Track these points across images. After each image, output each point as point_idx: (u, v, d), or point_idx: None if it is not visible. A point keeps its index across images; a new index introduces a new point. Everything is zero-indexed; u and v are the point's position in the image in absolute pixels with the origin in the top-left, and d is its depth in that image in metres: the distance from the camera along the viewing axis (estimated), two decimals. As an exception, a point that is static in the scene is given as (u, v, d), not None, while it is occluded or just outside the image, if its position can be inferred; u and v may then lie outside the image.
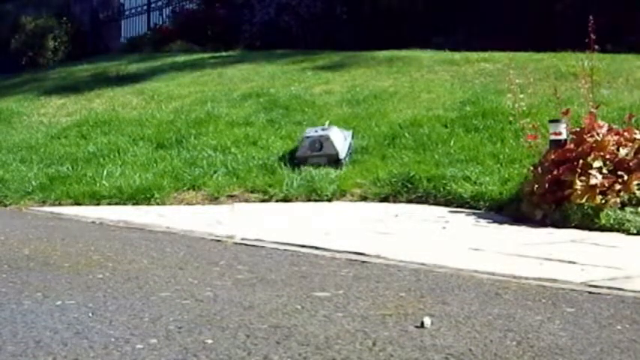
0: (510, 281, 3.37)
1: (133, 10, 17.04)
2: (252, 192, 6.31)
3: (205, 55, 12.58)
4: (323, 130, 6.83)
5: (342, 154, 6.67)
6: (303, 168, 6.53)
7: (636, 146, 5.22)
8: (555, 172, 5.13)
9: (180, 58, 12.51)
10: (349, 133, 7.04)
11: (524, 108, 6.58)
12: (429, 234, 4.80)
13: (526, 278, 3.42)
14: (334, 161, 6.61)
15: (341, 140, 6.78)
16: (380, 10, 12.71)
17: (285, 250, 4.14)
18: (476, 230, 4.95)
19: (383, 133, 7.37)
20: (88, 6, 17.09)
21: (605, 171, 5.05)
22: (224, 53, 12.68)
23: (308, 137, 6.75)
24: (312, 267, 3.65)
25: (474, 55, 9.98)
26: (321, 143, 6.60)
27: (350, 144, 6.89)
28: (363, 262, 3.79)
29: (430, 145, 6.88)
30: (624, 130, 5.36)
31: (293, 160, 6.78)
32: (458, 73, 9.37)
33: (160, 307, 2.76)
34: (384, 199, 6.13)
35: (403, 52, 10.84)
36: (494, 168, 6.17)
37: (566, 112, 5.63)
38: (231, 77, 10.48)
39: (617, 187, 4.99)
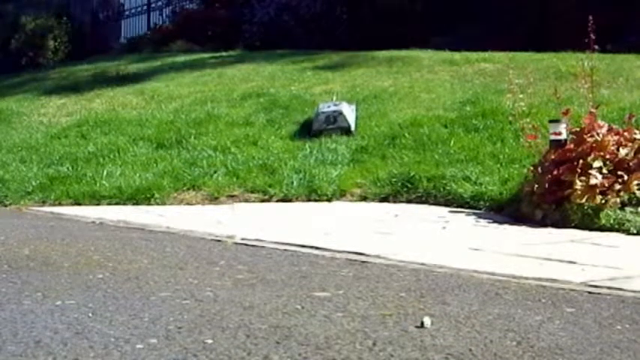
0: (510, 281, 3.37)
1: (133, 10, 17.04)
2: (252, 192, 6.31)
3: (205, 55, 12.58)
4: (335, 105, 7.82)
5: (353, 126, 7.62)
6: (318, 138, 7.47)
7: (636, 146, 5.22)
8: (555, 172, 5.13)
9: (180, 58, 12.51)
10: (354, 106, 8.02)
11: (524, 108, 6.58)
12: (429, 234, 4.79)
13: (526, 278, 3.42)
14: (346, 132, 7.56)
15: (351, 114, 7.76)
16: (380, 10, 12.72)
17: (285, 250, 4.13)
18: (476, 230, 4.95)
19: (383, 133, 7.37)
20: (88, 6, 17.09)
21: (605, 171, 5.05)
22: (224, 53, 12.67)
23: (323, 112, 7.70)
24: (312, 267, 3.64)
25: (473, 55, 9.98)
26: (335, 118, 7.62)
27: (356, 115, 7.85)
28: (363, 262, 3.79)
29: (430, 145, 6.88)
30: (624, 130, 5.36)
31: (309, 132, 7.66)
32: (458, 73, 9.37)
33: (160, 307, 2.76)
34: (384, 199, 6.13)
35: (403, 52, 10.84)
36: (494, 168, 6.17)
37: (566, 112, 5.62)
38: (231, 77, 10.48)
39: (617, 187, 4.98)
